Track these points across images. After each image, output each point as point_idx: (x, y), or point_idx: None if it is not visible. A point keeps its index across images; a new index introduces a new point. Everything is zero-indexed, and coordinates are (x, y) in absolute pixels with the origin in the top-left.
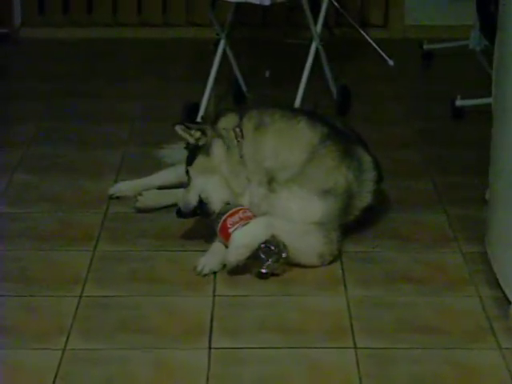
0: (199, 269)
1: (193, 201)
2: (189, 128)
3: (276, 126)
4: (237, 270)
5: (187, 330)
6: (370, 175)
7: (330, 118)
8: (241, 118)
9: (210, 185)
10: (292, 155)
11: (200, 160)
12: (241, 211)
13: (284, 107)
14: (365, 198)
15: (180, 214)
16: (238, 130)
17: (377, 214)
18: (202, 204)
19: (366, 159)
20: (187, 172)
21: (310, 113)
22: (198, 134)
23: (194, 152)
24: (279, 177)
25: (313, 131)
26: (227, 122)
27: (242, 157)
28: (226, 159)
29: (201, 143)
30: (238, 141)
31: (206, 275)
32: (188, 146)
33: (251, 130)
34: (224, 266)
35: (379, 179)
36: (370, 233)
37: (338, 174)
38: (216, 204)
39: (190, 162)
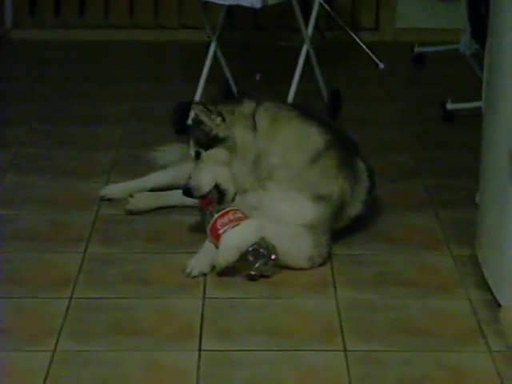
0: (188, 270)
1: (207, 186)
2: (209, 111)
3: (291, 125)
4: (226, 272)
5: (178, 332)
6: (364, 185)
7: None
8: (257, 106)
9: (227, 175)
10: (297, 156)
11: (218, 151)
12: (231, 212)
13: (297, 106)
14: (356, 207)
15: (190, 194)
16: (252, 121)
17: (368, 216)
18: (219, 191)
19: (362, 169)
20: (198, 154)
21: (319, 118)
22: (218, 120)
23: (211, 139)
24: (278, 174)
25: (321, 137)
26: (244, 110)
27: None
28: (241, 155)
29: (220, 133)
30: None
31: (195, 277)
32: (199, 127)
33: (267, 123)
34: (213, 267)
35: (372, 188)
36: (361, 235)
37: (334, 183)
38: (231, 194)
39: (205, 147)
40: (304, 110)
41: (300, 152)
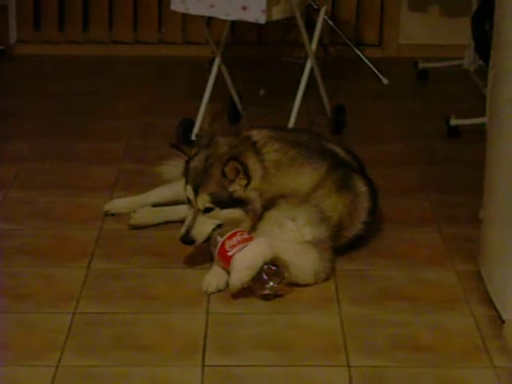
0: (205, 287)
1: (209, 234)
2: (242, 170)
3: (294, 165)
4: (240, 292)
5: (181, 348)
6: (364, 206)
7: (332, 144)
8: (259, 154)
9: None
10: (298, 188)
11: (235, 212)
12: (238, 233)
13: (287, 138)
14: (356, 228)
15: (190, 243)
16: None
17: (371, 232)
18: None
19: (362, 191)
20: (209, 210)
21: (316, 142)
22: (244, 183)
23: (231, 199)
24: (281, 203)
25: (319, 169)
26: (254, 167)
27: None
28: (255, 211)
29: (242, 194)
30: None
31: (212, 293)
32: (221, 183)
33: (271, 169)
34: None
35: (374, 209)
36: (364, 251)
37: (332, 211)
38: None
39: (221, 204)
40: (296, 138)
41: (301, 184)
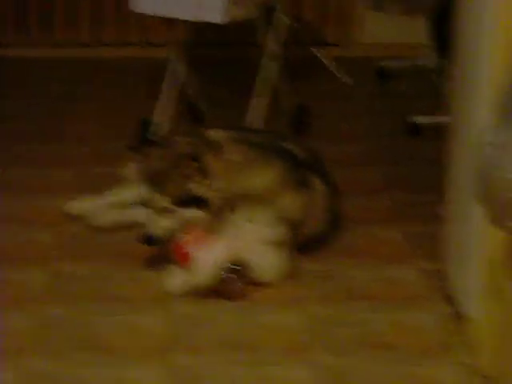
0: (167, 287)
1: (165, 232)
2: (204, 171)
3: (252, 163)
4: (204, 292)
5: (146, 349)
6: (322, 204)
7: (290, 142)
8: (219, 155)
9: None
10: (256, 186)
11: (194, 212)
12: (194, 232)
13: (244, 138)
14: (314, 227)
15: (152, 243)
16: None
17: (333, 232)
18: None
19: (320, 189)
20: (169, 209)
21: (273, 142)
22: (204, 183)
23: (190, 198)
24: (239, 205)
25: (274, 171)
26: (215, 168)
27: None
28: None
29: (202, 195)
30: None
31: (174, 293)
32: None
33: (230, 170)
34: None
35: (332, 208)
36: (328, 250)
37: (290, 210)
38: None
39: (179, 204)
40: (255, 134)
41: (259, 185)
